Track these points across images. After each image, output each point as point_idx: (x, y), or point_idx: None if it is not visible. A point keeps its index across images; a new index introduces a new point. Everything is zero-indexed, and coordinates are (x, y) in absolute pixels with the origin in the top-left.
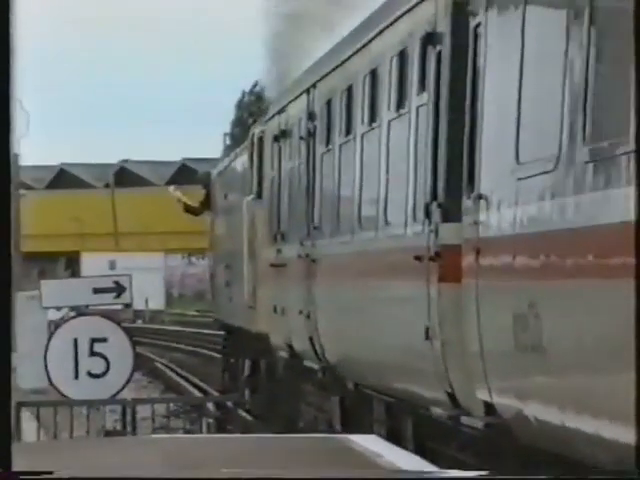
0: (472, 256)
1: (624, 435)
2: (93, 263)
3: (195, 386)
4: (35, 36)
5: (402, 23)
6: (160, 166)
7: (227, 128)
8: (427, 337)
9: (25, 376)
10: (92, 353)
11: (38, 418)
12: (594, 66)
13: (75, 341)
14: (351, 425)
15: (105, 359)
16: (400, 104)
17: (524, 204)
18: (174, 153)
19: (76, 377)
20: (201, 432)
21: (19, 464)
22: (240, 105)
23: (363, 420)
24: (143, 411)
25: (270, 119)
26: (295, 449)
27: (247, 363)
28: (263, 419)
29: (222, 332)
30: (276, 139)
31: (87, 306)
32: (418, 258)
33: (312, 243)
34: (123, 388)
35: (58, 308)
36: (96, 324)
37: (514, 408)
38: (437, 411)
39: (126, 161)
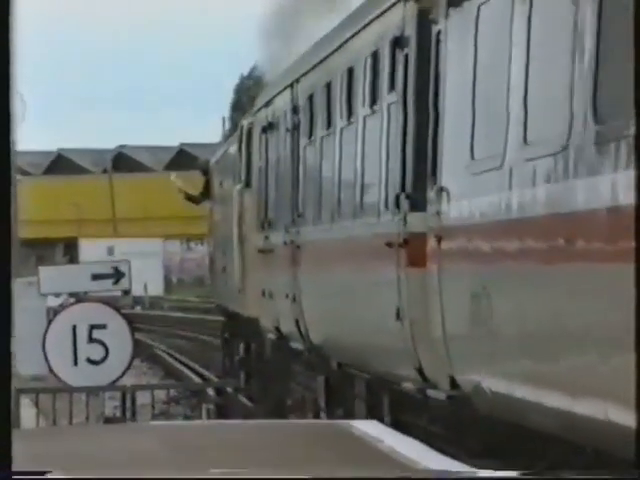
0: (435, 243)
1: (566, 403)
2: (91, 249)
3: (195, 372)
4: (33, 22)
5: (375, 26)
6: (158, 151)
7: (226, 112)
8: (398, 317)
9: (24, 363)
10: (91, 340)
11: (37, 405)
12: (533, 73)
13: (74, 328)
14: (335, 402)
15: (104, 345)
16: (373, 101)
17: (477, 196)
18: (172, 138)
19: (75, 364)
20: (201, 418)
21: (18, 451)
22: (239, 89)
23: (346, 397)
24: (143, 397)
25: (258, 111)
26: (296, 434)
27: (241, 346)
28: (255, 400)
29: (221, 317)
30: (264, 130)
31: (86, 292)
32: (389, 245)
33: (296, 230)
34: (122, 375)
35: (56, 294)
36: (95, 310)
37: (473, 381)
38: (407, 385)
39: (124, 146)
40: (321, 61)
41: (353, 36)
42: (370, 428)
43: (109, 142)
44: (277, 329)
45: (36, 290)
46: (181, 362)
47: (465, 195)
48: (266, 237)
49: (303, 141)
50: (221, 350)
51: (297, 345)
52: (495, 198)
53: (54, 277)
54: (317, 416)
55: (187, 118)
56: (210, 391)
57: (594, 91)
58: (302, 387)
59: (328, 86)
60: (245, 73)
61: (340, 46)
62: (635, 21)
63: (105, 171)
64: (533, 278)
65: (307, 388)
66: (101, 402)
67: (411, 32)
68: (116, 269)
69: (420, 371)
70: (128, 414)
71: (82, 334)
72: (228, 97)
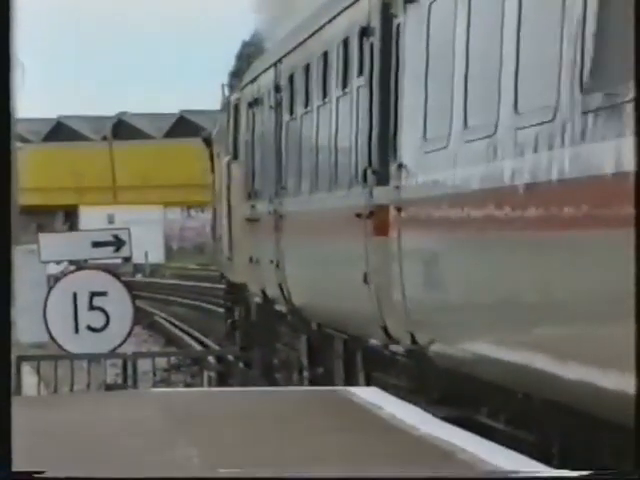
0: (395, 214)
1: (503, 355)
2: (91, 217)
3: (196, 340)
4: None
5: (346, 15)
6: (158, 118)
7: (226, 79)
8: (365, 281)
9: (25, 330)
10: (92, 307)
11: (39, 372)
12: (472, 66)
13: (75, 295)
14: (316, 360)
15: (105, 313)
16: (345, 84)
17: (429, 172)
18: (172, 105)
19: (76, 331)
20: (202, 385)
21: (20, 419)
22: (240, 56)
23: (326, 355)
24: (144, 365)
25: (245, 87)
26: (296, 402)
27: (237, 311)
28: (248, 362)
29: (222, 285)
30: (250, 106)
31: (86, 260)
32: (358, 215)
33: (280, 201)
34: (123, 342)
35: (57, 262)
36: (95, 278)
37: (428, 337)
38: (374, 342)
39: (124, 113)
40: (300, 44)
41: (328, 22)
42: (370, 395)
43: (109, 109)
44: (263, 293)
45: (36, 258)
46: (182, 330)
47: (419, 171)
48: (252, 206)
49: (285, 117)
50: (223, 317)
51: (281, 308)
52: (442, 174)
53: (54, 245)
54: (300, 373)
55: (187, 85)
56: (211, 358)
57: (515, 91)
58: (287, 347)
59: (307, 68)
60: (245, 39)
61: (317, 31)
62: (635, 21)
63: (105, 138)
64: (473, 246)
65: (292, 348)
66: (102, 369)
67: (376, 23)
68: (117, 237)
69: (385, 329)
70: (129, 381)
71: (83, 301)
72: (228, 64)
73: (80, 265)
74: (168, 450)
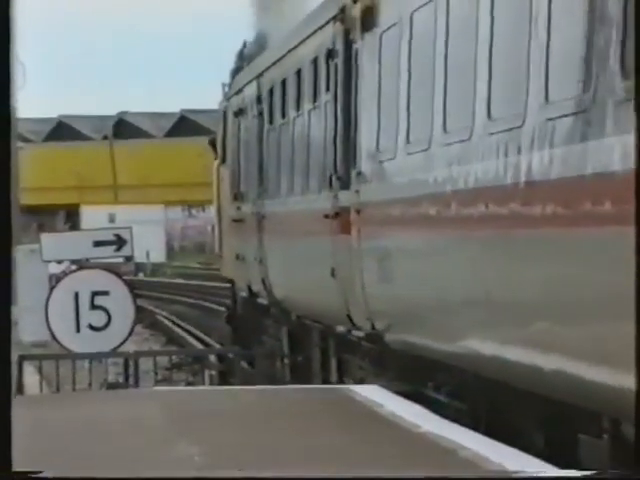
0: (355, 215)
1: (447, 339)
2: (93, 216)
3: (197, 338)
4: None
5: (316, 37)
6: (159, 117)
7: (227, 78)
8: (332, 275)
9: (27, 330)
10: (93, 306)
11: (40, 371)
12: (414, 90)
13: (76, 294)
14: (296, 349)
15: (106, 312)
16: (315, 98)
17: (382, 180)
18: (173, 104)
19: (78, 330)
20: (203, 384)
21: (22, 417)
22: (241, 55)
23: (304, 344)
24: (145, 364)
25: (231, 97)
26: (297, 400)
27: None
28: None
29: (223, 284)
30: (236, 115)
31: (88, 259)
32: (326, 216)
33: (261, 202)
34: (125, 341)
35: (59, 261)
36: (97, 277)
37: (383, 324)
38: (340, 328)
39: (125, 113)
40: (278, 60)
41: (301, 42)
42: (371, 393)
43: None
44: (249, 288)
45: (38, 257)
46: (183, 328)
47: (374, 178)
48: (238, 208)
49: (266, 126)
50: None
51: (264, 301)
52: (391, 181)
53: (56, 244)
54: (282, 361)
55: (188, 84)
56: (212, 357)
57: (444, 112)
58: (271, 338)
59: (284, 82)
60: (246, 38)
61: (292, 49)
62: (635, 21)
63: (106, 138)
64: (417, 244)
65: (275, 338)
66: (104, 368)
67: (339, 46)
68: (118, 236)
69: (350, 318)
70: (131, 380)
71: (84, 301)
72: (229, 63)
73: (82, 264)
74: (169, 449)
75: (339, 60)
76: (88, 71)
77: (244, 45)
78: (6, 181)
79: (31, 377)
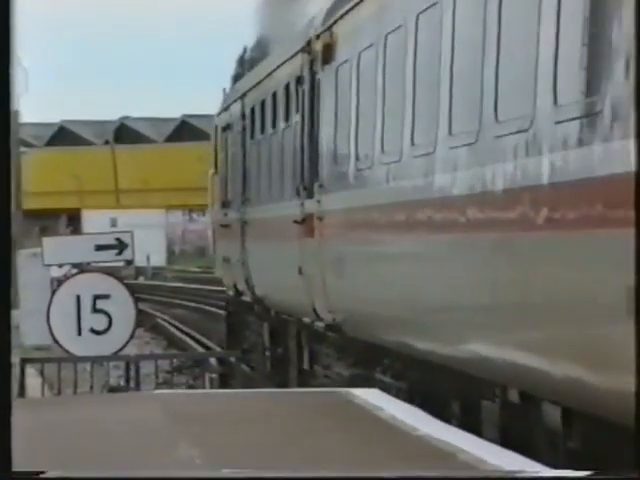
0: (317, 221)
1: (396, 328)
2: (94, 220)
3: (198, 342)
4: None
5: (288, 65)
6: (160, 122)
7: (227, 83)
8: (300, 273)
9: (28, 333)
10: (95, 310)
11: (42, 374)
12: (363, 112)
13: (78, 298)
14: (276, 342)
15: (108, 315)
16: (287, 118)
17: (338, 191)
18: (174, 109)
19: (79, 334)
20: (204, 387)
21: (24, 420)
22: (242, 60)
23: (283, 337)
24: (146, 367)
25: (221, 113)
26: (296, 403)
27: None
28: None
29: (223, 288)
30: (224, 129)
31: (89, 263)
32: (295, 222)
33: (244, 210)
34: (126, 344)
35: (60, 265)
36: (98, 281)
37: (342, 315)
38: (306, 320)
39: (126, 118)
40: (259, 82)
41: (277, 68)
42: (370, 396)
43: (111, 114)
44: (235, 287)
45: (40, 261)
46: (184, 332)
47: (331, 189)
48: (225, 214)
49: (248, 141)
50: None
51: (247, 299)
52: (345, 194)
53: (58, 248)
54: (264, 353)
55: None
56: (212, 360)
57: (382, 134)
58: (254, 333)
59: (263, 103)
60: (246, 44)
61: (270, 74)
62: (635, 20)
63: (107, 143)
64: (365, 247)
65: (258, 333)
66: (105, 371)
67: (306, 75)
68: (119, 240)
69: (315, 310)
70: (132, 383)
71: (86, 304)
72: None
73: (83, 268)
74: (170, 451)
75: (306, 86)
76: (90, 76)
77: (244, 51)
78: (6, 184)
79: (33, 380)
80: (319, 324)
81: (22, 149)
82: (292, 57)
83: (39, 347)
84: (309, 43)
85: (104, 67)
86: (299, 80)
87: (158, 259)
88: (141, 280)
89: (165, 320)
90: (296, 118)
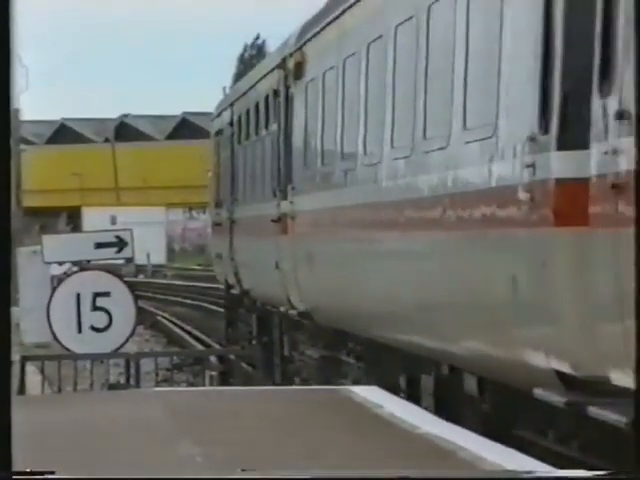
0: (290, 220)
1: (354, 315)
2: (94, 218)
3: (197, 339)
4: None
5: (268, 78)
6: (160, 120)
7: (227, 81)
8: (277, 267)
9: (29, 331)
10: (95, 307)
11: (42, 372)
12: (327, 124)
13: (78, 296)
14: (263, 332)
15: (108, 313)
16: (267, 127)
17: (308, 193)
18: (174, 107)
19: (79, 331)
20: (204, 385)
21: (24, 418)
22: (241, 59)
23: (269, 327)
24: (146, 364)
25: (215, 119)
26: (296, 401)
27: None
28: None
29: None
30: (216, 134)
31: (89, 261)
32: (272, 220)
33: (232, 209)
34: (126, 342)
35: (60, 263)
36: (98, 279)
37: (311, 305)
38: (282, 309)
39: (126, 115)
40: (244, 93)
41: (259, 81)
42: (370, 394)
43: (112, 111)
44: (226, 282)
45: (40, 259)
46: (184, 329)
47: (302, 192)
48: (217, 213)
49: (236, 146)
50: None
51: (236, 292)
52: (312, 196)
53: (58, 246)
54: (250, 342)
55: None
56: (212, 358)
57: (342, 146)
58: (244, 323)
59: (247, 111)
60: (247, 42)
61: (253, 86)
62: (635, 21)
63: (107, 140)
64: (328, 244)
65: (247, 323)
66: (105, 369)
67: (281, 88)
68: (119, 238)
69: (289, 301)
70: (132, 381)
71: (86, 302)
72: (230, 66)
73: (83, 266)
74: (170, 449)
75: (281, 99)
76: (90, 74)
77: (245, 49)
78: (6, 183)
79: (33, 377)
80: (292, 312)
81: (22, 147)
82: (270, 72)
83: (39, 345)
84: (284, 60)
85: (104, 65)
86: (276, 93)
87: (158, 257)
88: (141, 278)
89: (165, 318)
90: (274, 127)
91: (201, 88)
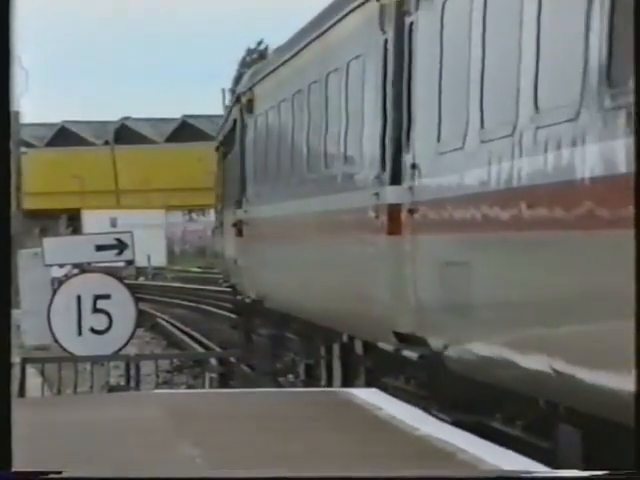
0: (245, 225)
1: (310, 303)
2: (94, 220)
3: (197, 342)
4: None
5: (234, 108)
6: (160, 123)
7: (227, 84)
8: (235, 263)
9: (29, 333)
10: (95, 310)
11: (43, 374)
12: (282, 142)
13: (78, 298)
14: (239, 318)
15: (108, 315)
16: (235, 146)
17: (256, 205)
18: (174, 110)
19: (80, 333)
20: (204, 387)
21: (24, 419)
22: (243, 62)
23: (245, 314)
24: (146, 367)
25: (218, 133)
26: (296, 402)
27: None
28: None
29: (223, 288)
30: (216, 149)
31: (90, 263)
32: (233, 225)
33: (221, 214)
34: (126, 344)
35: (61, 265)
36: (99, 281)
37: (262, 294)
38: (239, 297)
39: (127, 118)
40: (227, 117)
41: (230, 110)
42: (370, 396)
43: (112, 114)
44: (223, 275)
45: (41, 261)
46: (184, 332)
47: (253, 201)
48: (216, 218)
49: (222, 162)
50: (225, 319)
51: (228, 284)
52: (260, 207)
53: (58, 248)
54: (234, 328)
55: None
56: (212, 360)
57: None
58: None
59: (228, 133)
60: (247, 45)
61: (229, 113)
62: (635, 21)
63: (107, 143)
64: (269, 245)
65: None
66: (105, 371)
67: (239, 118)
68: (119, 240)
69: (246, 290)
70: (132, 383)
71: (86, 304)
72: (230, 69)
73: (83, 268)
74: (170, 451)
75: (239, 127)
76: (90, 77)
77: (247, 53)
78: (6, 184)
79: (33, 380)
80: (247, 299)
81: (23, 149)
82: (235, 103)
83: (39, 347)
84: (240, 96)
85: (105, 67)
86: (235, 122)
87: (158, 259)
88: (141, 280)
89: (165, 320)
90: (239, 147)
91: (201, 91)
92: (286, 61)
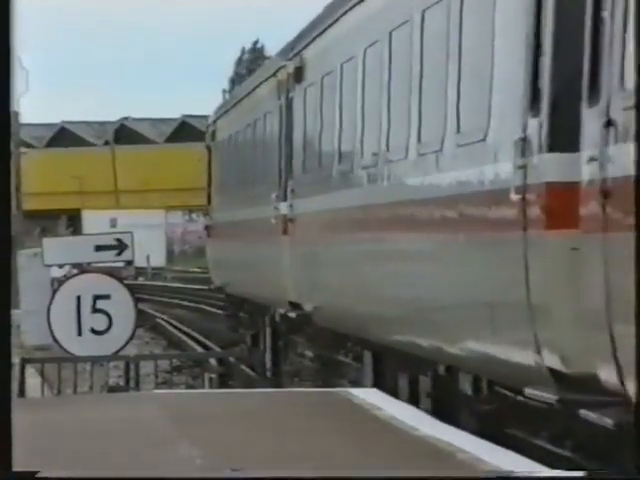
0: (210, 229)
1: (252, 288)
2: (94, 221)
3: (197, 342)
4: None
5: (206, 136)
6: (160, 123)
7: (227, 84)
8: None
9: (29, 333)
10: (95, 310)
11: (42, 374)
12: (229, 169)
13: (78, 298)
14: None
15: (108, 316)
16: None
17: (218, 212)
18: (174, 110)
19: (79, 334)
20: (203, 387)
21: (24, 420)
22: (240, 62)
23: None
24: (146, 367)
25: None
26: (295, 403)
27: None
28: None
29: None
30: (208, 148)
31: (89, 264)
32: (205, 228)
33: (210, 214)
34: (126, 344)
35: (61, 266)
36: (99, 281)
37: (222, 281)
38: (209, 285)
39: (126, 118)
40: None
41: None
42: (370, 396)
43: (111, 115)
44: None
45: (40, 261)
46: (183, 332)
47: (216, 209)
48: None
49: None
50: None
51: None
52: (221, 214)
53: (58, 248)
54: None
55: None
56: (212, 360)
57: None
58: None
59: (230, 137)
60: (245, 46)
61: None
62: (635, 21)
63: (107, 143)
64: (226, 245)
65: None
66: (105, 371)
67: (208, 144)
68: (119, 240)
69: (214, 280)
70: (132, 383)
71: (86, 304)
72: (229, 69)
73: (83, 268)
74: (170, 451)
75: (208, 152)
76: (90, 77)
77: (242, 53)
78: (6, 185)
79: (33, 380)
80: (212, 287)
81: (22, 150)
82: (205, 133)
83: (39, 347)
84: (207, 128)
85: (104, 68)
86: (207, 147)
87: (158, 259)
88: (141, 280)
89: (165, 320)
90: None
91: (200, 91)
92: (234, 105)
